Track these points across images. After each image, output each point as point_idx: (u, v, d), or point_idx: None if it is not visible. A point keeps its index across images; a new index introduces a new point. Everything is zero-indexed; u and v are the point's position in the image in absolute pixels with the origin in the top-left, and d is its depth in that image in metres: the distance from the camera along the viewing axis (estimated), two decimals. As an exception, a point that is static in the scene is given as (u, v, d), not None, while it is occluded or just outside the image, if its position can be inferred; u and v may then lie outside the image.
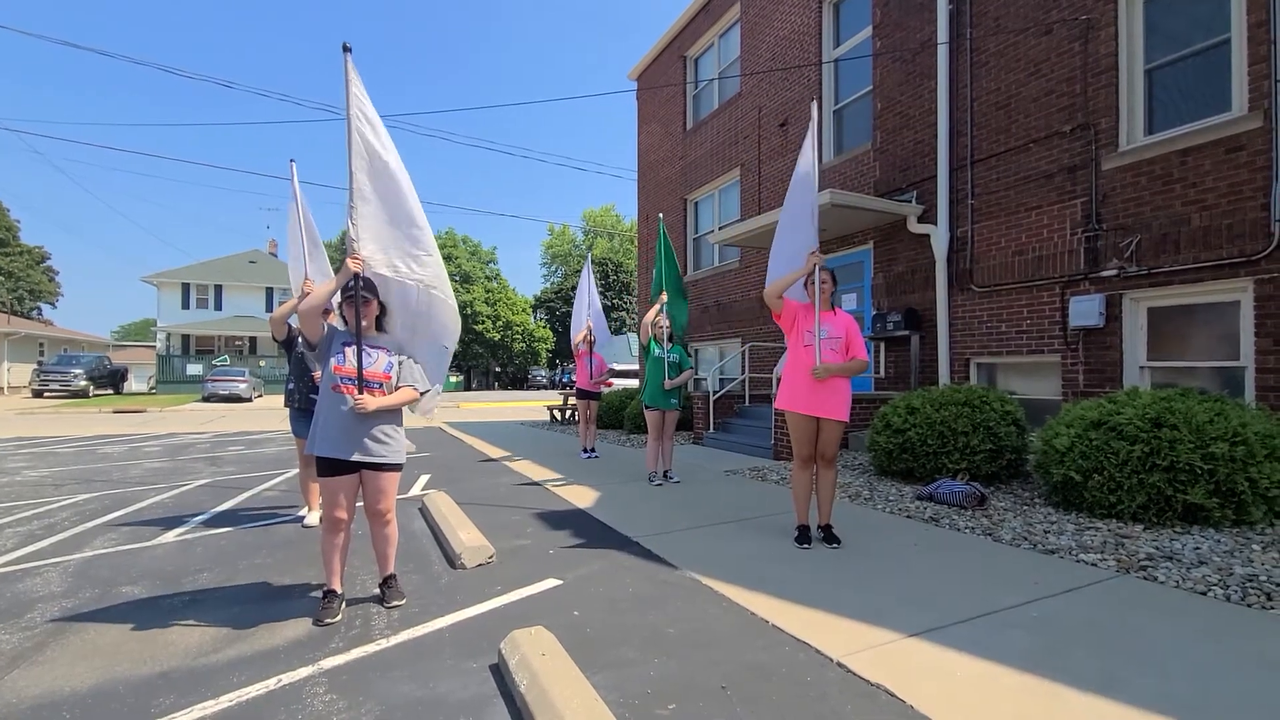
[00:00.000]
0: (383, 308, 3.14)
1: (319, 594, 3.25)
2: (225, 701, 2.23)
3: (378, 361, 3.00)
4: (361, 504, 3.13)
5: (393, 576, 3.15)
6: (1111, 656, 2.41)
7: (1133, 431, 4.20)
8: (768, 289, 4.11)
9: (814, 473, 4.06)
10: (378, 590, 3.18)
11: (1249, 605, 2.86)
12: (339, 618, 2.94)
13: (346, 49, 3.02)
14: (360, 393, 2.90)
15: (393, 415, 3.06)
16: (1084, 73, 6.23)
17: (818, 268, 3.94)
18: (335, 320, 3.22)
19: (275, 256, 37.81)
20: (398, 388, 3.06)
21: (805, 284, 4.08)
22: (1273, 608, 2.82)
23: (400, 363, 3.11)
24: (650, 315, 6.39)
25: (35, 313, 46.19)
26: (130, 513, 5.24)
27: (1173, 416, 4.15)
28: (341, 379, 2.93)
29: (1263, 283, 5.04)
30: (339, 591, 3.04)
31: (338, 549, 3.01)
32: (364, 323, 3.02)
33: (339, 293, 3.03)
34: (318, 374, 4.49)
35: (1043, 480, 4.85)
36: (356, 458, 2.93)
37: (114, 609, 3.10)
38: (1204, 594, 3.01)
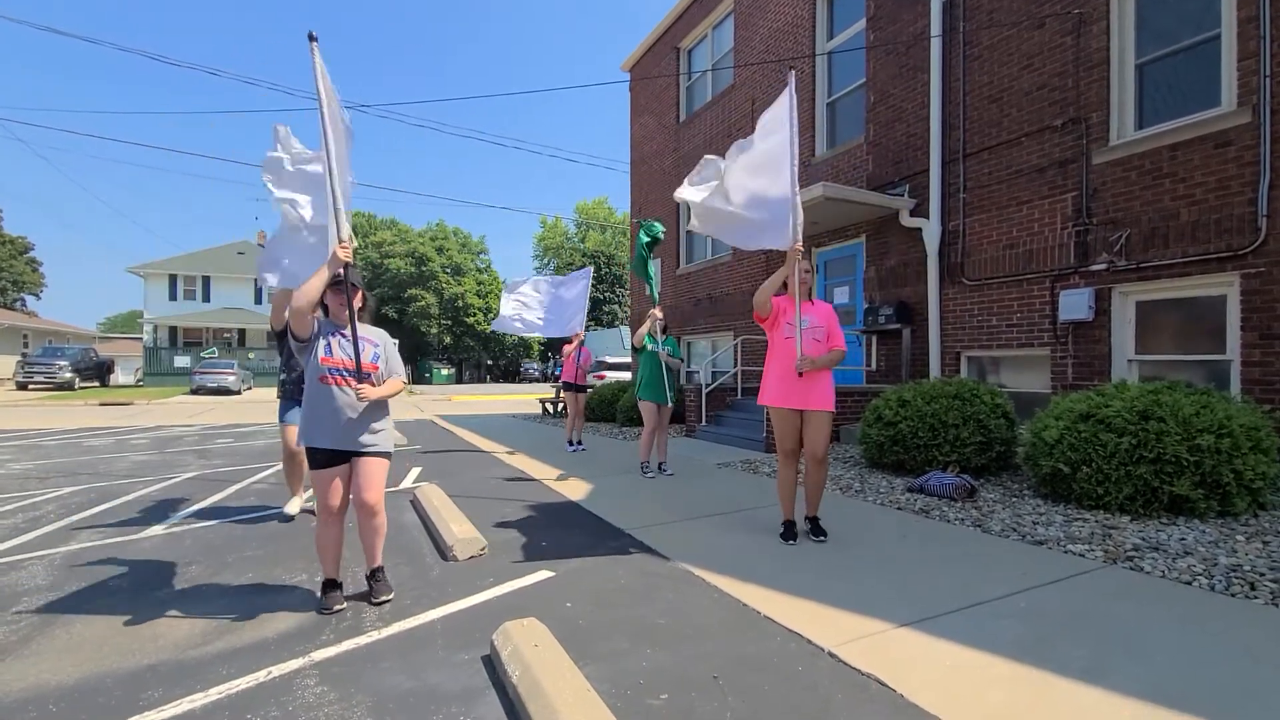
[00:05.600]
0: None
1: (309, 587, 3.24)
2: (214, 694, 2.21)
3: (365, 352, 2.98)
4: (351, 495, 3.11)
5: (380, 569, 3.12)
6: (1099, 645, 2.43)
7: (1121, 424, 4.24)
8: (758, 295, 3.91)
9: (803, 468, 4.05)
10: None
11: (1233, 595, 2.90)
12: (344, 606, 2.95)
13: (313, 38, 2.97)
14: (360, 383, 2.89)
15: (382, 405, 3.06)
16: (1076, 67, 6.24)
17: (800, 259, 3.90)
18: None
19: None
20: (385, 379, 3.07)
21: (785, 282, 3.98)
22: (1256, 597, 2.86)
23: (386, 352, 3.10)
24: (644, 329, 6.42)
25: (19, 304, 45.52)
26: (117, 506, 5.18)
27: (1160, 409, 4.19)
28: (330, 370, 2.91)
29: (1249, 277, 5.09)
30: (339, 581, 3.05)
31: (334, 539, 3.02)
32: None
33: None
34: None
35: (1032, 472, 4.89)
36: (347, 448, 2.94)
37: (101, 602, 3.07)
38: (1189, 584, 3.04)
